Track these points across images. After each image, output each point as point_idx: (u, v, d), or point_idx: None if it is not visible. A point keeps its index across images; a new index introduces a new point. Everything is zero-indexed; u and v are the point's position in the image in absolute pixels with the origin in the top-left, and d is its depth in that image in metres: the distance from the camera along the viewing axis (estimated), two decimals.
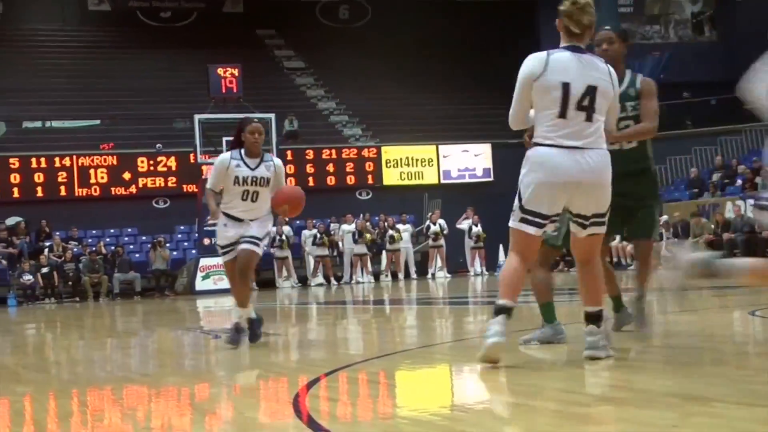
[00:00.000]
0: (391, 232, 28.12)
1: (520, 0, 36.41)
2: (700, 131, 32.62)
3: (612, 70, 6.21)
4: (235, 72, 27.59)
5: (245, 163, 8.62)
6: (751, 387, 5.00)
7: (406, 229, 28.41)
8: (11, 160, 28.77)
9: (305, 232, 27.98)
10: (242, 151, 8.68)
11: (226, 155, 8.76)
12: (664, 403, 4.66)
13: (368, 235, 27.63)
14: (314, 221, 28.16)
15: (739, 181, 27.16)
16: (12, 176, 28.65)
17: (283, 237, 27.26)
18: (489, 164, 32.03)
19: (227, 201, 8.63)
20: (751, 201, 24.51)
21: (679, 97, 34.55)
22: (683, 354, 6.82)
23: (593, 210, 6.12)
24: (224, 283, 24.85)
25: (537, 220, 6.09)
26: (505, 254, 31.76)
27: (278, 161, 8.93)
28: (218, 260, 25.41)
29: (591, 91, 6.05)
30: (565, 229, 6.92)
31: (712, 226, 24.86)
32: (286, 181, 9.01)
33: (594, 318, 6.31)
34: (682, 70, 34.59)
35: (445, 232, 28.20)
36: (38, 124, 32.71)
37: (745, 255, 23.35)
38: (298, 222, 29.22)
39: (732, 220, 24.50)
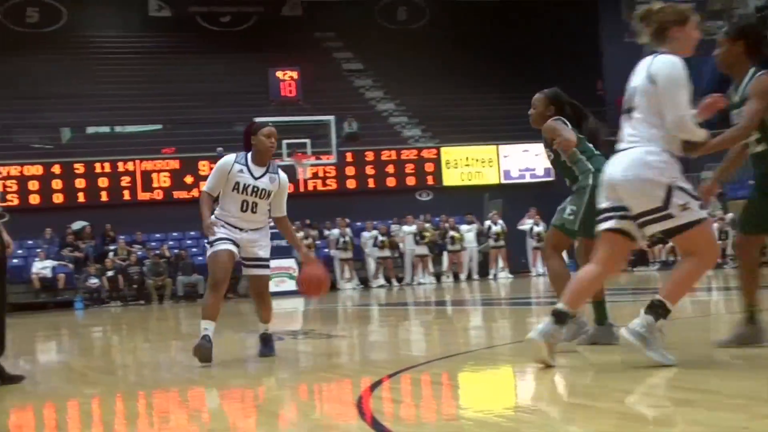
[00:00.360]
0: (452, 232, 28.07)
1: None
2: None
3: (653, 62, 6.16)
4: (295, 75, 27.75)
5: (249, 170, 7.94)
6: None
7: (470, 230, 28.34)
8: (76, 166, 29.14)
9: (365, 234, 28.02)
10: (249, 156, 7.99)
11: (230, 158, 8.01)
12: (731, 404, 4.60)
13: (428, 234, 27.59)
14: (374, 223, 28.19)
15: None
16: (77, 181, 29.02)
17: (347, 239, 27.32)
18: (549, 164, 31.77)
19: (224, 208, 8.02)
20: None
21: None
22: (749, 355, 6.71)
23: (635, 210, 5.94)
24: (286, 285, 25.05)
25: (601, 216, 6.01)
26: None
27: (284, 176, 8.17)
28: (280, 262, 25.67)
29: (632, 92, 6.07)
30: (583, 214, 6.80)
31: None
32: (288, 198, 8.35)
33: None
34: None
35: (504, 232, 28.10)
36: (102, 129, 33.15)
37: None
38: (359, 224, 29.29)
39: None
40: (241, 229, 7.98)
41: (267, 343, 8.26)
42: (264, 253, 8.15)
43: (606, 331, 7.24)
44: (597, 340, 7.23)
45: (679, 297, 6.02)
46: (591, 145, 7.26)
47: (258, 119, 25.86)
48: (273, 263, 27.63)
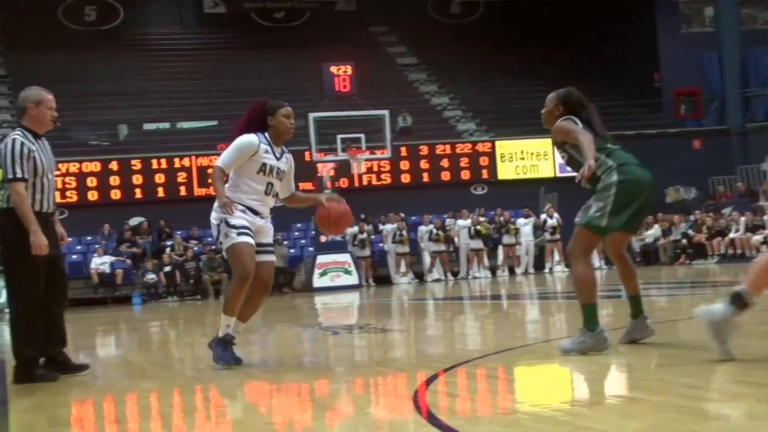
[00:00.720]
0: (507, 226, 27.98)
1: None
2: None
3: None
4: (349, 70, 27.75)
5: (273, 151, 7.48)
6: None
7: (526, 223, 28.23)
8: (133, 162, 29.42)
9: (421, 228, 28.00)
10: (266, 136, 7.48)
11: (253, 137, 7.36)
12: None
13: (481, 228, 27.51)
14: (430, 217, 28.16)
15: None
16: (134, 177, 29.29)
17: (403, 233, 27.32)
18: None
19: (243, 190, 7.37)
20: None
21: None
22: None
23: None
24: (342, 280, 25.17)
25: None
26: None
27: (290, 155, 7.76)
28: (335, 257, 25.77)
29: None
30: (611, 210, 6.67)
31: None
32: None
33: None
34: None
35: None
36: (158, 126, 33.46)
37: None
38: (413, 218, 29.27)
39: None
40: (259, 214, 7.43)
41: (227, 347, 7.43)
42: (271, 238, 7.66)
43: (640, 325, 7.11)
44: (634, 337, 7.11)
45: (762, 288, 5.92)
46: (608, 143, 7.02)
47: (313, 115, 26.09)
48: (329, 258, 27.66)
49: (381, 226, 28.42)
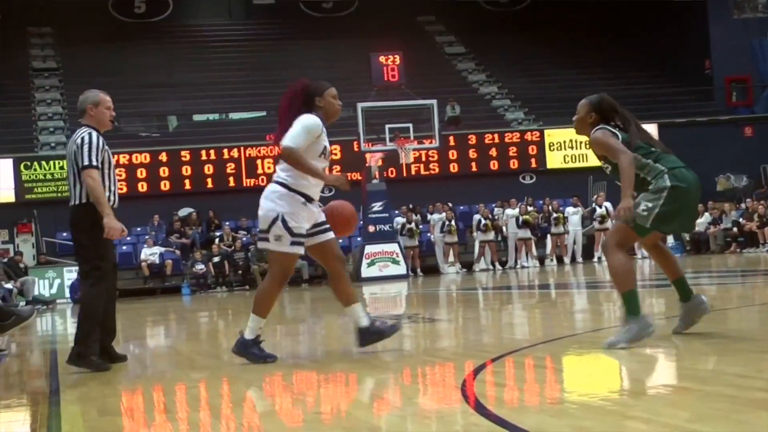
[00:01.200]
0: (555, 215, 27.85)
1: None
2: None
3: None
4: (397, 59, 27.71)
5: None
6: None
7: (575, 212, 28.09)
8: (182, 153, 29.64)
9: (434, 216, 27.88)
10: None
11: (316, 118, 7.08)
12: None
13: (527, 217, 27.40)
14: (477, 207, 28.10)
15: None
16: (183, 168, 29.51)
17: (451, 223, 27.30)
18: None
19: (304, 176, 7.00)
20: None
21: None
22: None
23: None
24: (390, 270, 25.19)
25: None
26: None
27: None
28: (384, 247, 25.79)
29: None
30: (658, 213, 6.54)
31: None
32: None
33: None
34: None
35: (611, 214, 27.77)
36: (207, 117, 33.68)
37: None
38: (461, 207, 29.23)
39: None
40: (314, 201, 7.18)
41: (260, 348, 7.18)
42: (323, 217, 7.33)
43: (694, 306, 6.93)
44: (691, 320, 6.93)
45: None
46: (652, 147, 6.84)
47: (361, 104, 26.12)
48: (377, 248, 27.70)
49: (429, 216, 28.40)
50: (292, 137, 6.94)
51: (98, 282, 7.48)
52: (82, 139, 7.46)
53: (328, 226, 7.26)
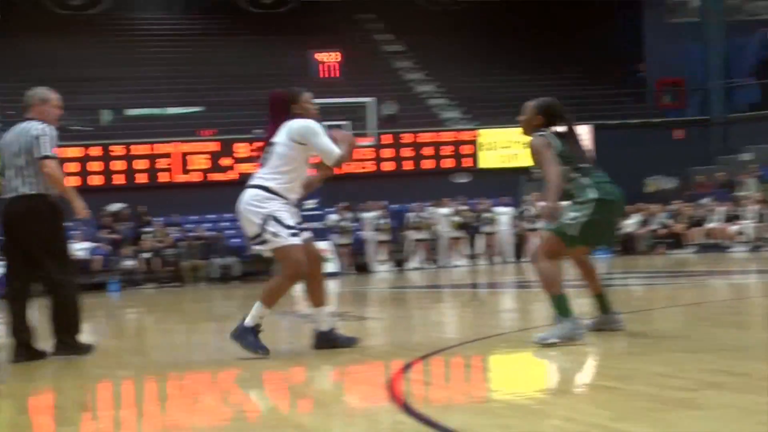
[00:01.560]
0: (486, 214, 28.01)
1: None
2: None
3: None
4: (335, 57, 27.63)
5: None
6: None
7: (504, 212, 28.26)
8: (115, 148, 29.31)
9: (409, 215, 27.97)
10: None
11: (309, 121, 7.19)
12: (761, 386, 4.57)
13: (457, 218, 27.54)
14: (412, 204, 28.17)
15: None
16: (115, 163, 29.20)
17: (384, 221, 27.33)
18: (590, 146, 31.55)
19: (294, 180, 7.14)
20: None
21: None
22: None
23: None
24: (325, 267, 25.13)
25: None
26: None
27: None
28: (321, 244, 25.67)
29: None
30: (584, 224, 6.69)
31: None
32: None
33: None
34: None
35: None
36: (141, 111, 33.32)
37: None
38: (395, 206, 29.29)
39: None
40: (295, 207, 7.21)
41: (256, 335, 7.22)
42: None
43: (611, 319, 7.20)
44: (603, 327, 7.18)
45: None
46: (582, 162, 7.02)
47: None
48: None
49: (362, 214, 28.41)
50: (327, 145, 7.07)
51: (71, 270, 7.78)
52: (42, 131, 7.73)
53: (305, 225, 7.29)
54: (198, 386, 6.14)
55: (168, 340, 9.96)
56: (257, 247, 7.32)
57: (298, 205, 7.35)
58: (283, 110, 7.24)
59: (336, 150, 7.06)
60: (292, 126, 7.09)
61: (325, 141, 7.07)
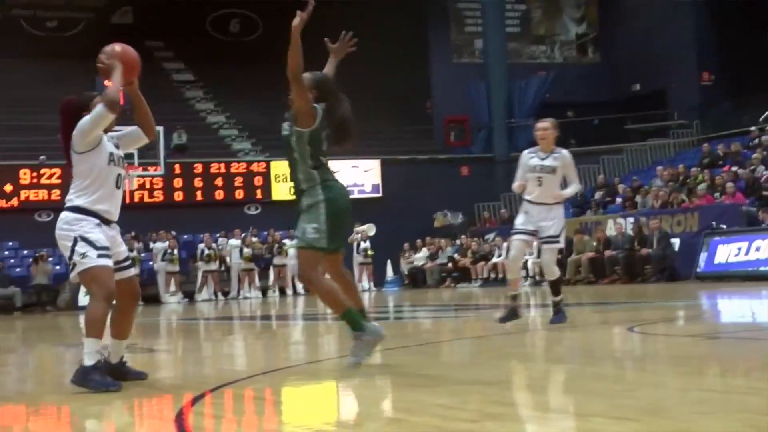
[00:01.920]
0: (277, 245, 28.06)
1: (409, 19, 36.72)
2: (583, 150, 33.29)
3: None
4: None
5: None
6: (626, 402, 5.12)
7: (293, 245, 28.35)
8: None
9: (157, 245, 27.59)
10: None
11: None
12: (544, 418, 4.75)
13: (248, 252, 27.54)
14: (203, 236, 27.93)
15: (619, 200, 27.79)
16: None
17: (174, 252, 27.01)
18: (378, 180, 32.13)
19: (97, 192, 6.60)
20: (631, 219, 25.09)
21: (563, 116, 35.22)
22: (564, 371, 6.94)
23: None
24: None
25: None
26: (394, 270, 31.85)
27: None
28: None
29: None
30: (327, 229, 6.78)
31: (594, 243, 25.33)
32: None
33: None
34: (567, 89, 35.28)
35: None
36: None
37: (624, 272, 23.88)
38: (186, 236, 28.95)
39: (613, 237, 25.02)
40: (110, 222, 6.70)
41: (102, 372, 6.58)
42: (126, 250, 6.97)
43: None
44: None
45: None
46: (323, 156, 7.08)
47: None
48: None
49: (151, 244, 27.96)
50: (94, 113, 6.54)
51: None
52: None
53: (127, 265, 6.81)
54: None
55: None
56: (73, 274, 6.60)
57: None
58: (74, 117, 6.67)
59: (97, 109, 6.53)
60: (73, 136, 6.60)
61: (90, 114, 6.55)
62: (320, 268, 7.13)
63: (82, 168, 6.62)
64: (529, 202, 10.38)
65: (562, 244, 10.85)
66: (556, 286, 10.55)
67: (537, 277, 23.99)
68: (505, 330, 9.95)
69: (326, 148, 7.09)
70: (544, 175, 10.29)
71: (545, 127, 10.53)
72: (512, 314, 10.26)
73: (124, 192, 6.96)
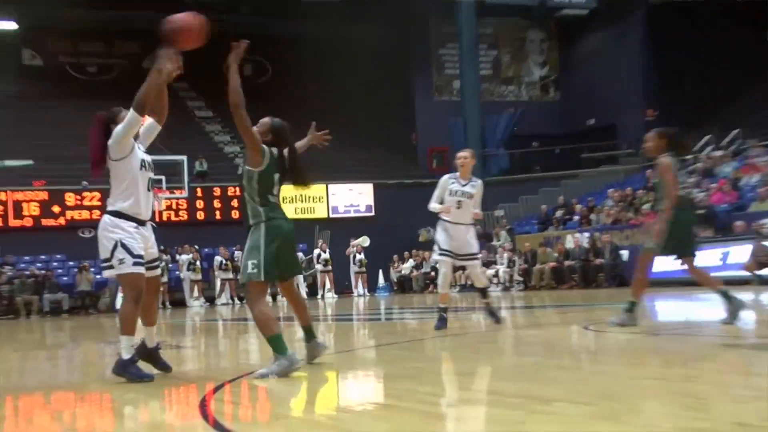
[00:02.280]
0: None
1: (398, 63, 36.84)
2: (546, 175, 33.43)
3: None
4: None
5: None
6: (582, 388, 5.15)
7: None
8: None
9: (218, 258, 27.70)
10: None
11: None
12: (512, 403, 4.77)
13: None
14: (224, 249, 27.94)
15: (577, 217, 27.85)
16: None
17: (197, 263, 27.10)
18: (371, 201, 32.17)
19: (130, 195, 6.55)
20: (587, 234, 25.16)
21: (529, 146, 35.38)
22: (529, 363, 6.97)
23: None
24: None
25: None
26: (384, 278, 31.66)
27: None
28: None
29: None
30: (264, 264, 6.42)
31: (555, 255, 25.41)
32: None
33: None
34: (532, 123, 35.42)
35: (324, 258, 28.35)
36: None
37: (581, 279, 23.92)
38: (206, 250, 28.93)
39: (571, 249, 25.08)
40: (143, 222, 6.64)
41: (136, 365, 6.64)
42: (156, 251, 6.87)
43: (315, 346, 7.02)
44: (314, 355, 7.01)
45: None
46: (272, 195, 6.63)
47: None
48: None
49: (177, 256, 27.97)
50: (127, 118, 6.50)
51: None
52: None
53: (154, 265, 6.72)
54: (31, 407, 5.92)
55: (3, 367, 9.50)
56: (106, 272, 6.59)
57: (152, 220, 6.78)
58: (103, 131, 6.58)
59: (131, 113, 6.49)
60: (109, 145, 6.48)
61: (122, 123, 6.50)
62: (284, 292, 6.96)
63: (119, 173, 6.51)
64: (449, 222, 10.17)
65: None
66: (485, 292, 10.45)
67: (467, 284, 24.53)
68: (480, 329, 9.96)
69: (277, 190, 6.68)
70: (464, 199, 10.12)
71: (465, 156, 10.33)
72: (443, 322, 10.05)
73: (154, 212, 6.94)
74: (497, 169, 34.02)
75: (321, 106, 36.94)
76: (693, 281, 8.94)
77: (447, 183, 10.22)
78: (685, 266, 8.62)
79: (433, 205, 10.27)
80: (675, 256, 8.61)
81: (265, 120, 6.88)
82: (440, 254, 10.27)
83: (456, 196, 10.18)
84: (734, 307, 8.49)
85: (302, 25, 37.32)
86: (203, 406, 5.30)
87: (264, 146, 6.65)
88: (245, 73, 39.82)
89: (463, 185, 10.23)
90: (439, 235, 10.34)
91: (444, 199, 10.22)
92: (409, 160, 35.86)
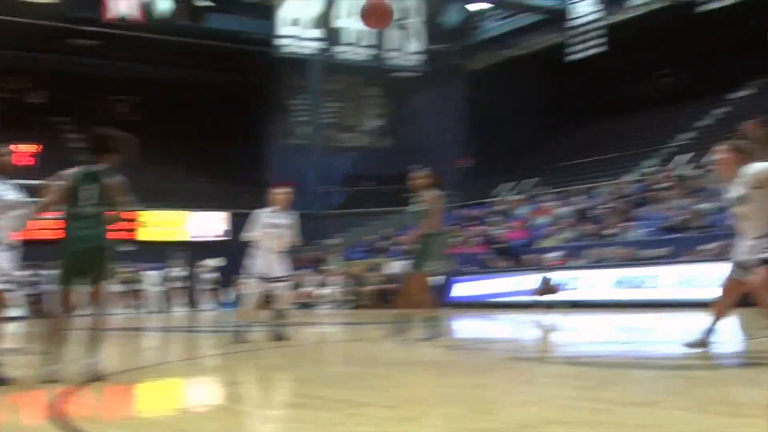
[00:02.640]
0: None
1: (255, 110, 36.59)
2: (380, 210, 33.87)
3: None
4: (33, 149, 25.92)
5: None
6: (393, 394, 5.18)
7: (154, 274, 28.02)
8: None
9: None
10: None
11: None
12: (334, 406, 4.75)
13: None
14: None
15: (399, 247, 28.34)
16: None
17: None
18: (229, 227, 31.82)
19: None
20: (405, 262, 25.50)
21: (366, 185, 35.80)
22: (351, 371, 6.97)
23: None
24: None
25: None
26: (233, 295, 30.92)
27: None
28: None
29: None
30: (63, 271, 6.09)
31: (380, 278, 25.81)
32: None
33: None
34: (367, 165, 36.04)
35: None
36: None
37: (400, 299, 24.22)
38: None
39: (392, 274, 25.50)
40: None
41: None
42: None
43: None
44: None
45: None
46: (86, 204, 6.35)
47: None
48: None
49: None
50: None
51: None
52: None
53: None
54: None
55: None
56: None
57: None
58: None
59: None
60: None
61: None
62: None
63: None
64: (267, 249, 9.91)
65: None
66: (282, 313, 10.18)
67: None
68: (312, 341, 9.88)
69: (88, 205, 6.42)
70: (283, 230, 9.96)
71: (287, 191, 10.26)
72: (241, 339, 9.73)
73: None
74: (335, 205, 34.24)
75: (187, 143, 36.27)
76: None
77: (264, 217, 10.02)
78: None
79: (253, 235, 10.01)
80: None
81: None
82: (256, 276, 9.98)
83: (276, 228, 9.96)
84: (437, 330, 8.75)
85: (173, 70, 36.76)
86: (54, 407, 5.00)
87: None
88: (122, 110, 38.66)
89: (284, 217, 10.07)
90: (256, 262, 10.03)
91: (263, 230, 9.95)
92: (263, 193, 35.46)
